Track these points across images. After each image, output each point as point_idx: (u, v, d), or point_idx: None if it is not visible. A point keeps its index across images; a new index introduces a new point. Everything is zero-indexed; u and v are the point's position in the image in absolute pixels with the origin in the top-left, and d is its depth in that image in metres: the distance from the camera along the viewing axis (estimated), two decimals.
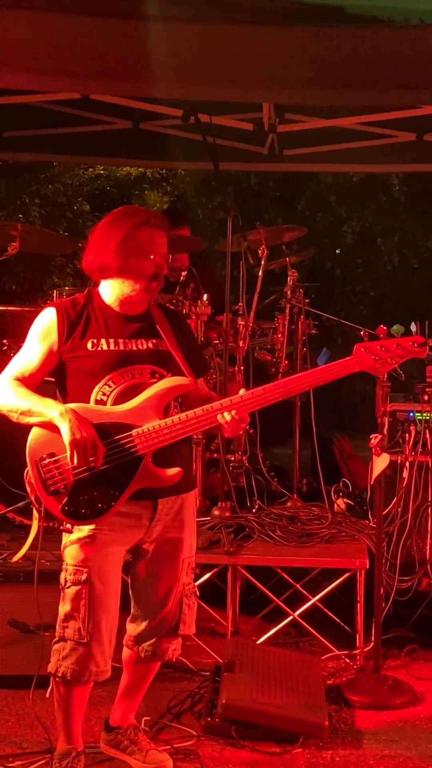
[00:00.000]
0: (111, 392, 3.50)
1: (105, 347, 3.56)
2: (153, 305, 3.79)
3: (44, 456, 3.41)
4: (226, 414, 3.48)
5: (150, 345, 3.63)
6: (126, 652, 3.79)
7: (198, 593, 3.84)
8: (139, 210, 3.73)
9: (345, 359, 3.60)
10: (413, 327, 3.66)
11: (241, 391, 3.56)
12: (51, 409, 3.41)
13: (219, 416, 3.48)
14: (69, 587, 3.52)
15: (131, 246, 3.56)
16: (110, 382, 3.51)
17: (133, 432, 3.43)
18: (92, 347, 3.55)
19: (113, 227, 3.61)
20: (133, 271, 3.58)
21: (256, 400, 3.53)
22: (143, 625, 3.70)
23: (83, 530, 3.48)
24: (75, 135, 7.37)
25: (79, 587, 3.50)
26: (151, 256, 3.58)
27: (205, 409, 3.50)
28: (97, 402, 3.49)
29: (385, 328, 3.62)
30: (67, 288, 5.68)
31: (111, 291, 3.65)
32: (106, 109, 6.85)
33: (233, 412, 3.47)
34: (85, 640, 3.50)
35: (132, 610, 3.74)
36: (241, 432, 3.65)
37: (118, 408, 3.47)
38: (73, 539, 3.51)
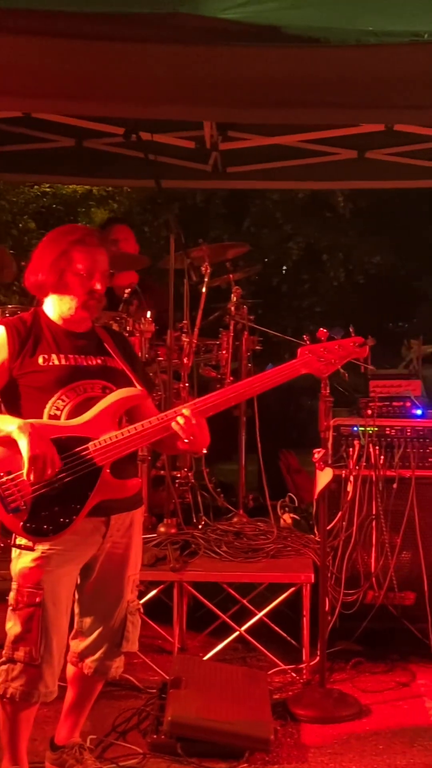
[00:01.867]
0: (64, 407, 3.51)
1: (56, 362, 3.57)
2: (97, 326, 3.82)
3: (1, 474, 3.38)
4: (179, 418, 3.49)
5: (99, 361, 3.66)
6: (70, 669, 3.78)
7: (142, 610, 3.86)
8: (75, 228, 3.77)
9: (292, 361, 3.69)
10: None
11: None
12: (8, 424, 3.39)
13: (173, 423, 3.50)
14: (21, 609, 3.49)
15: (64, 264, 3.58)
16: (63, 397, 3.52)
17: (90, 444, 3.44)
18: (44, 362, 3.56)
19: (49, 245, 3.66)
20: (67, 288, 3.61)
21: (209, 404, 3.56)
22: (87, 641, 3.71)
23: (38, 550, 3.46)
24: (18, 153, 7.33)
25: (32, 609, 3.48)
26: (84, 274, 3.60)
27: (159, 417, 3.53)
28: (50, 417, 3.49)
29: (325, 330, 3.73)
30: (9, 306, 5.64)
31: (53, 308, 3.67)
32: (49, 127, 6.84)
33: (186, 413, 3.49)
34: (36, 663, 3.48)
35: (75, 626, 3.74)
36: (203, 441, 3.61)
37: (73, 421, 3.47)
38: (26, 560, 3.49)
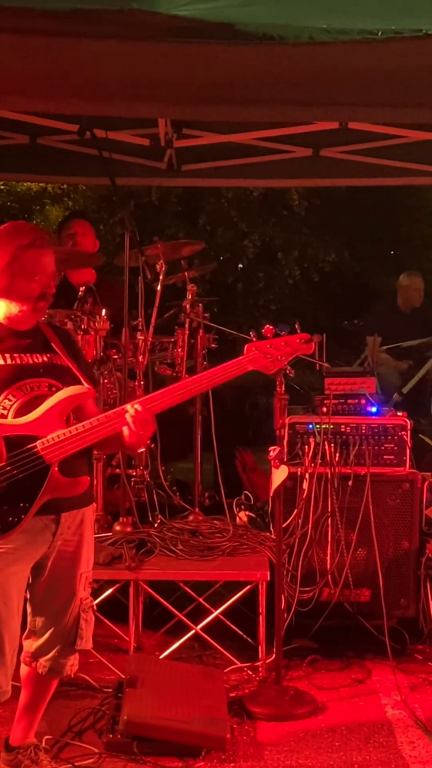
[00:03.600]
0: (11, 406, 3.48)
1: (1, 362, 3.54)
2: (41, 323, 3.78)
3: None
4: (131, 409, 3.47)
5: (45, 359, 3.63)
6: (24, 668, 3.76)
7: (95, 608, 3.85)
8: (24, 229, 3.68)
9: (239, 358, 3.69)
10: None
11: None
12: None
13: (126, 415, 3.47)
14: None
15: (16, 268, 3.54)
16: (9, 396, 3.49)
17: (38, 443, 3.42)
18: None
19: None
20: (18, 292, 3.57)
21: (158, 401, 3.54)
22: (40, 640, 3.69)
23: None
24: None
25: None
26: (37, 277, 3.57)
27: (108, 414, 3.50)
28: None
29: (272, 327, 3.74)
30: None
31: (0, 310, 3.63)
32: (2, 124, 6.75)
33: (137, 407, 3.48)
34: None
35: (28, 626, 3.72)
36: (148, 439, 3.65)
37: (20, 420, 3.45)
38: None
